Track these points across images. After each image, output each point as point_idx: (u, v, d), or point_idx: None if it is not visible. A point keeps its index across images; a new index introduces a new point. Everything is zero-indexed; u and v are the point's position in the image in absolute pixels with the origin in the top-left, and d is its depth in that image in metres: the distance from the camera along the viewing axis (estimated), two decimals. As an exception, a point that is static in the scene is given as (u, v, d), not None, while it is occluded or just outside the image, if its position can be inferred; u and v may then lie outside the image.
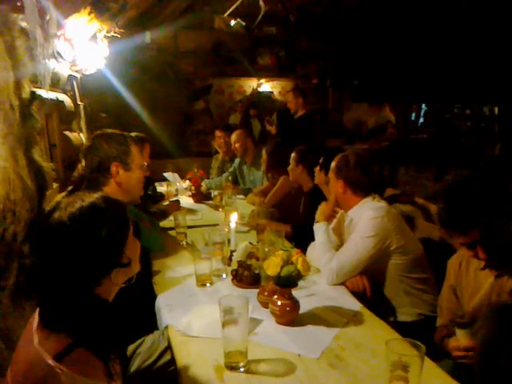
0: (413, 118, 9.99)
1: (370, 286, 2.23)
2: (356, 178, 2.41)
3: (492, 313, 0.78)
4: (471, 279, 1.88)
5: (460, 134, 8.46)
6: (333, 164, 2.51)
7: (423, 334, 1.67)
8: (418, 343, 1.33)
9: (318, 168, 3.01)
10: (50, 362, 1.09)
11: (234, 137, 4.58)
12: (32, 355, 1.14)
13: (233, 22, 6.99)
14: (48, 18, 2.49)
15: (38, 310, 1.26)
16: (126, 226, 1.34)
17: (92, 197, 1.30)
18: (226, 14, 6.83)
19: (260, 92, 8.03)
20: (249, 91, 8.02)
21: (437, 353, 1.61)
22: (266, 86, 8.04)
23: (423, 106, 9.89)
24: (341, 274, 2.23)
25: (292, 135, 5.35)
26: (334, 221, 2.66)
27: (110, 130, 2.31)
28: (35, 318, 1.25)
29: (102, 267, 1.26)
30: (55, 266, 1.21)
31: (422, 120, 9.94)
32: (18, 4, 1.94)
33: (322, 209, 2.55)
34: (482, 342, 0.78)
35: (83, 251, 1.22)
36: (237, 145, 4.55)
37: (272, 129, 6.15)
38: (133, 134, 2.65)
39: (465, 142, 7.70)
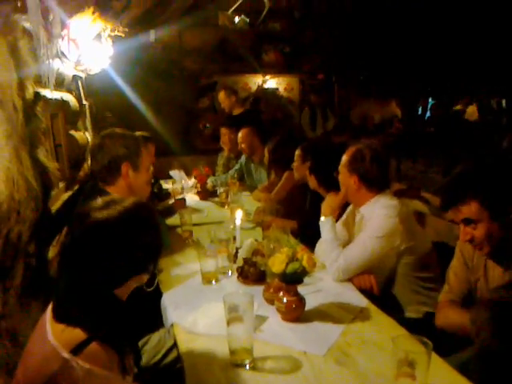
0: (419, 112, 9.94)
1: (377, 284, 2.22)
2: (371, 174, 2.32)
3: (493, 314, 0.77)
4: (482, 264, 1.86)
5: (467, 127, 8.40)
6: (345, 158, 2.40)
7: (430, 330, 1.66)
8: (425, 340, 1.32)
9: (307, 172, 2.98)
10: (66, 355, 1.11)
11: (240, 136, 4.54)
12: (46, 349, 1.16)
13: (237, 19, 6.96)
14: (51, 18, 2.49)
15: (51, 304, 1.28)
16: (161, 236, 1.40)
17: (130, 201, 1.33)
18: (230, 11, 6.81)
19: (265, 88, 8.01)
20: (254, 88, 7.99)
21: (444, 348, 1.60)
22: (272, 82, 8.00)
23: (430, 100, 9.82)
24: (347, 272, 2.21)
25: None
26: (344, 215, 2.61)
27: (119, 130, 2.30)
28: (48, 312, 1.26)
29: (136, 270, 1.30)
30: (91, 262, 1.24)
31: (428, 114, 9.87)
32: (20, 4, 1.94)
33: (329, 202, 2.46)
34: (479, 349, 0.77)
35: (126, 251, 1.26)
36: (243, 145, 4.51)
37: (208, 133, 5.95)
38: (137, 134, 2.64)
39: (472, 135, 7.64)
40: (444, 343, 1.77)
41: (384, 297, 2.24)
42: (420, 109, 9.96)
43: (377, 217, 2.24)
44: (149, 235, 1.31)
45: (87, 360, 1.11)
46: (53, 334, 1.18)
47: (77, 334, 1.15)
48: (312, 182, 2.98)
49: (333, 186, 2.74)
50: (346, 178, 2.40)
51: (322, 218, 2.44)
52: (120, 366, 1.18)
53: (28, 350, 1.27)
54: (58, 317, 1.21)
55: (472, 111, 9.38)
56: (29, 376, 1.18)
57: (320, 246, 2.46)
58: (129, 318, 1.31)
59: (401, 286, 2.31)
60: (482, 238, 1.67)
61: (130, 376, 1.23)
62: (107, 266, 1.24)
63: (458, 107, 9.61)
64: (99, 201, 1.31)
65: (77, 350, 1.12)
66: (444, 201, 1.77)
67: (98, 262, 1.24)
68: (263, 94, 7.90)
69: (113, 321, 1.23)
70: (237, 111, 5.60)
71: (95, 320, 1.19)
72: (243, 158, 4.73)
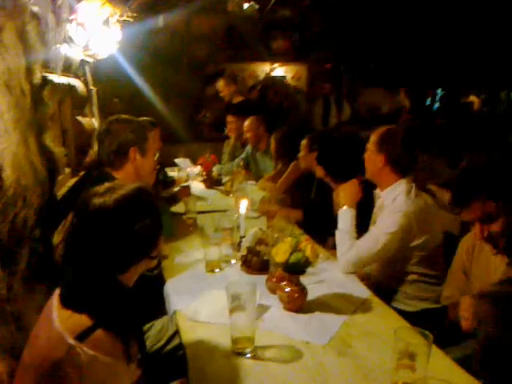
0: (428, 103, 9.86)
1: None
2: (399, 155, 2.30)
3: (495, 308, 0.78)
4: (483, 263, 1.86)
5: (476, 119, 8.33)
6: (375, 136, 2.36)
7: (430, 322, 1.66)
8: (426, 332, 1.32)
9: (314, 163, 2.96)
10: (71, 341, 1.12)
11: (246, 125, 4.54)
12: (53, 334, 1.17)
13: (246, 5, 6.90)
14: (60, 2, 2.49)
15: (58, 289, 1.29)
16: (161, 221, 1.41)
17: (131, 187, 1.34)
18: (239, -3, 6.75)
19: (273, 76, 7.96)
20: (262, 76, 7.95)
21: (444, 341, 1.61)
22: (280, 70, 7.95)
23: (439, 91, 9.74)
24: (356, 265, 2.22)
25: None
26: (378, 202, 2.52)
27: (125, 116, 2.32)
28: (55, 298, 1.27)
29: (136, 256, 1.32)
30: (92, 248, 1.25)
31: (437, 105, 9.79)
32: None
33: (351, 190, 2.42)
34: (482, 342, 0.78)
35: (124, 237, 1.27)
36: (248, 134, 4.52)
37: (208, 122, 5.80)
38: (142, 119, 2.64)
39: (481, 127, 7.58)
40: (444, 336, 1.78)
41: (385, 289, 2.25)
42: (429, 100, 9.87)
43: (392, 210, 2.22)
44: (147, 220, 1.31)
45: (92, 347, 1.11)
46: (59, 320, 1.19)
47: (82, 321, 1.16)
48: (319, 172, 2.96)
49: (341, 175, 2.75)
50: (372, 156, 2.36)
51: (343, 207, 2.38)
52: (124, 353, 1.18)
53: (34, 334, 1.28)
54: (65, 303, 1.23)
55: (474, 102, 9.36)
56: (35, 360, 1.19)
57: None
58: (134, 306, 1.32)
59: (403, 279, 2.30)
60: (499, 233, 1.65)
61: (134, 364, 1.24)
62: (107, 251, 1.25)
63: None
64: (101, 187, 1.32)
65: (82, 336, 1.13)
66: (455, 202, 1.75)
67: (97, 247, 1.25)
68: (271, 82, 7.86)
69: (118, 308, 1.24)
70: (236, 100, 5.53)
71: (101, 307, 1.20)
72: (249, 147, 4.72)
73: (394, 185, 2.32)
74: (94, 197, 1.28)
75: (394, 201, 2.26)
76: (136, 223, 1.28)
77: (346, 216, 2.35)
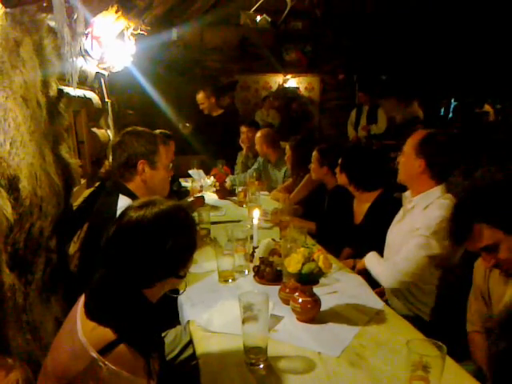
0: (442, 114, 9.82)
1: None
2: (440, 161, 2.22)
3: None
4: (496, 283, 1.82)
5: (490, 129, 8.26)
6: (414, 140, 2.27)
7: (446, 332, 1.64)
8: (440, 343, 1.31)
9: (338, 169, 2.97)
10: (94, 354, 1.12)
11: (256, 137, 4.57)
12: (76, 345, 1.17)
13: (259, 18, 6.98)
14: (76, 16, 2.53)
15: (83, 300, 1.29)
16: (196, 244, 1.41)
17: (171, 204, 1.35)
18: (252, 10, 6.83)
19: (286, 88, 8.01)
20: (275, 87, 8.01)
21: (459, 353, 1.58)
22: (292, 81, 8.00)
23: (452, 101, 9.69)
24: (406, 274, 2.15)
25: (210, 135, 5.28)
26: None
27: (140, 128, 2.34)
28: (79, 308, 1.27)
29: (164, 272, 1.31)
30: (123, 258, 1.26)
31: (451, 115, 9.74)
32: (45, 4, 1.98)
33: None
34: (497, 353, 0.77)
35: (156, 251, 1.27)
36: (259, 147, 4.57)
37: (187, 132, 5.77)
38: (157, 132, 2.67)
39: (495, 137, 7.51)
40: (459, 348, 1.76)
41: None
42: (442, 110, 9.83)
43: (432, 217, 2.13)
44: (181, 239, 1.31)
45: (114, 362, 1.11)
46: (83, 331, 1.19)
47: (106, 334, 1.15)
48: (342, 179, 2.94)
49: (364, 184, 2.79)
50: (410, 160, 2.27)
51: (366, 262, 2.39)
52: (146, 370, 1.17)
53: (57, 342, 1.28)
54: (90, 314, 1.22)
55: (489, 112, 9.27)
56: (57, 369, 1.19)
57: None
58: (158, 322, 1.32)
59: (423, 286, 2.25)
60: (508, 258, 1.57)
61: (154, 381, 1.22)
62: (136, 264, 1.26)
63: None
64: (137, 201, 1.34)
65: (105, 350, 1.12)
66: (454, 238, 1.72)
67: (127, 260, 1.25)
68: (284, 92, 7.91)
69: (142, 324, 1.23)
70: (216, 112, 5.51)
71: (125, 321, 1.19)
72: (261, 158, 4.75)
73: (429, 192, 2.25)
74: (131, 210, 1.29)
75: (427, 208, 2.20)
76: (170, 239, 1.28)
77: (371, 261, 2.36)
